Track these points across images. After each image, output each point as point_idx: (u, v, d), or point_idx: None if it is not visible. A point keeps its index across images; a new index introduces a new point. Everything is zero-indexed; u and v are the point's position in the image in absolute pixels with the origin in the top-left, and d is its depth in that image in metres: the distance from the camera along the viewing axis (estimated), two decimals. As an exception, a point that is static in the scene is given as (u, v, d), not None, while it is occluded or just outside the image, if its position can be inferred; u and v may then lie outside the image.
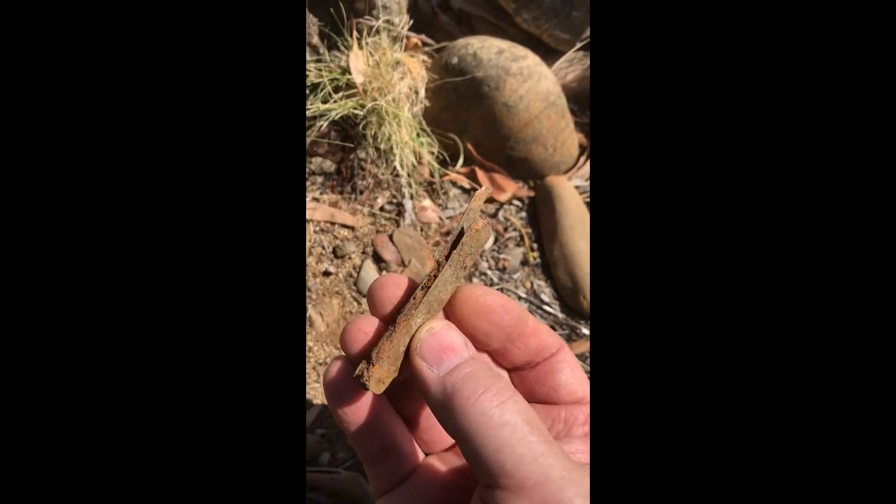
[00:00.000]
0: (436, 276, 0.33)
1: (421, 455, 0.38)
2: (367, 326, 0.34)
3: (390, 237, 1.06)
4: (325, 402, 0.99)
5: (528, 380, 0.37)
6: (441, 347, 0.30)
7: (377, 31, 1.04)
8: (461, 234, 0.34)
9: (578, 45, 1.13)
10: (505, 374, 0.38)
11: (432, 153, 1.09)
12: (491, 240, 1.11)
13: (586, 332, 1.03)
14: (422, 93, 1.07)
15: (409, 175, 1.07)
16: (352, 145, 1.05)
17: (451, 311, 0.34)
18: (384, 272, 1.04)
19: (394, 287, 0.34)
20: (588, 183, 1.14)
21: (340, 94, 1.01)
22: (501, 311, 0.34)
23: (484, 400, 0.27)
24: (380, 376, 0.32)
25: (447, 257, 0.33)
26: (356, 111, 1.01)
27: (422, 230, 1.08)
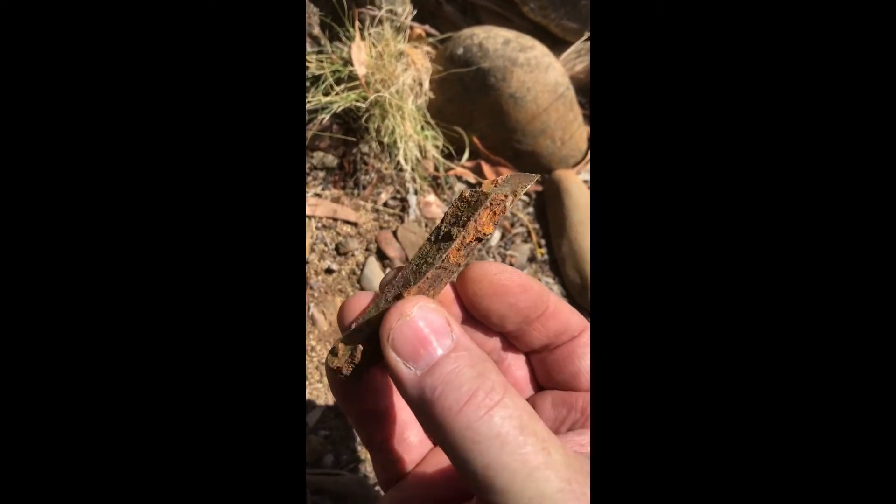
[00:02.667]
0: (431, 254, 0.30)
1: (429, 443, 0.35)
2: (366, 301, 0.31)
3: (394, 233, 1.03)
4: (329, 403, 0.97)
5: (546, 362, 0.34)
6: (418, 339, 0.26)
7: (380, 22, 1.01)
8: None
9: (587, 34, 1.10)
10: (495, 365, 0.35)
11: (437, 147, 1.06)
12: (497, 234, 1.08)
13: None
14: (426, 85, 1.04)
15: (413, 169, 1.04)
16: (354, 139, 1.03)
17: (462, 291, 0.31)
18: (388, 270, 1.01)
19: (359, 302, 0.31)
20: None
21: (342, 86, 0.99)
22: (519, 290, 0.30)
23: (469, 410, 0.24)
24: (340, 352, 0.29)
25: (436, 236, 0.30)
26: (358, 104, 0.98)
27: (426, 226, 1.06)
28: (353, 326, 0.30)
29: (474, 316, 0.32)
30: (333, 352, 0.30)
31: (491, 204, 0.29)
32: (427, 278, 0.29)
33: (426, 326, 0.26)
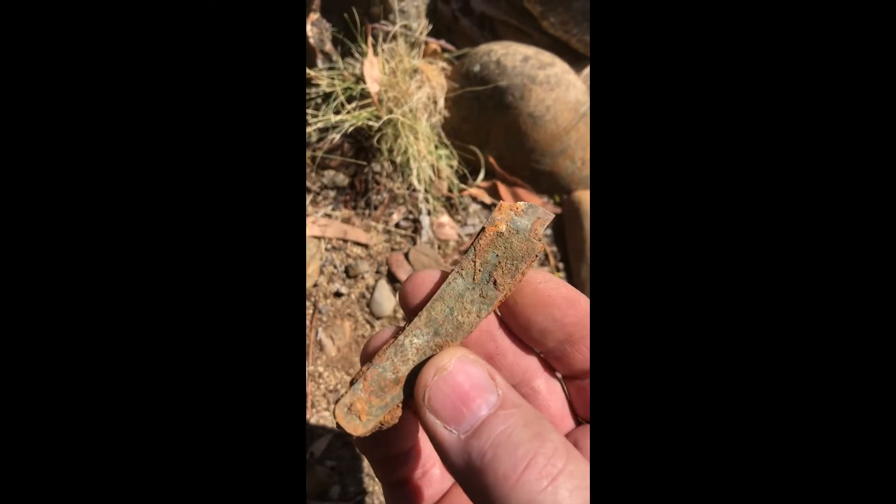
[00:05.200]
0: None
1: (449, 479, 0.32)
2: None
3: (406, 255, 1.00)
4: (336, 431, 0.93)
5: (586, 390, 0.30)
6: (458, 397, 0.23)
7: (394, 37, 0.98)
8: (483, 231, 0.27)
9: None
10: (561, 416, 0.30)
11: (451, 167, 1.02)
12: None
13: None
14: (441, 102, 1.00)
15: (426, 190, 1.00)
16: (364, 163, 0.99)
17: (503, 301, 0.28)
18: (399, 294, 0.98)
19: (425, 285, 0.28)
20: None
21: (354, 104, 0.95)
22: (565, 304, 0.27)
23: (529, 478, 0.20)
24: (361, 412, 0.26)
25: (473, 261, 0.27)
26: (371, 122, 0.95)
27: (439, 248, 1.02)
28: (367, 374, 0.26)
29: (512, 328, 0.29)
30: (352, 410, 0.26)
31: (537, 255, 0.26)
32: (469, 333, 0.26)
33: (466, 381, 0.23)
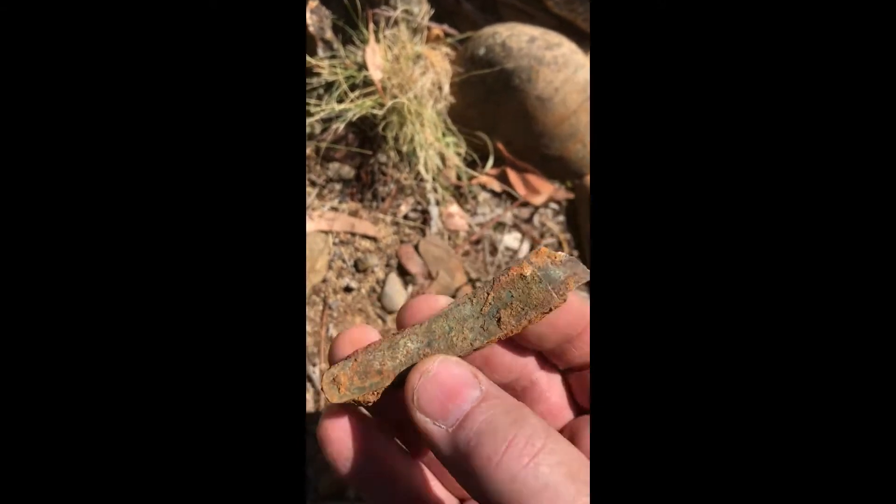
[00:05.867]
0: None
1: (442, 493, 0.34)
2: (359, 336, 0.30)
3: (416, 247, 0.97)
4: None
5: (587, 380, 0.31)
6: (444, 394, 0.25)
7: (395, 23, 0.95)
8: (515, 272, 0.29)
9: (617, 28, 1.02)
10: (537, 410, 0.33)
11: (459, 154, 1.00)
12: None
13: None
14: (446, 88, 0.97)
15: (434, 179, 0.98)
16: (370, 152, 0.97)
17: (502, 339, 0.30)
18: (410, 287, 0.95)
19: (426, 309, 0.30)
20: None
21: (357, 92, 0.93)
22: (558, 310, 0.29)
23: (511, 458, 0.22)
24: (342, 385, 0.28)
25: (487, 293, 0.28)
26: (375, 111, 0.92)
27: (450, 239, 0.99)
28: (359, 356, 0.29)
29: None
30: (336, 381, 0.28)
31: (551, 308, 0.28)
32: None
33: (450, 380, 0.25)
